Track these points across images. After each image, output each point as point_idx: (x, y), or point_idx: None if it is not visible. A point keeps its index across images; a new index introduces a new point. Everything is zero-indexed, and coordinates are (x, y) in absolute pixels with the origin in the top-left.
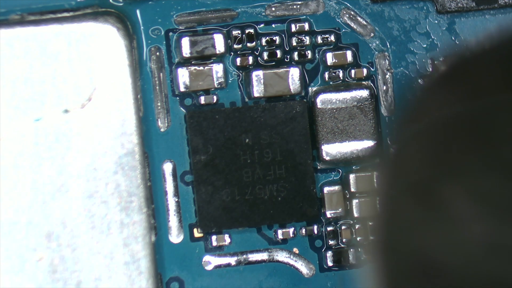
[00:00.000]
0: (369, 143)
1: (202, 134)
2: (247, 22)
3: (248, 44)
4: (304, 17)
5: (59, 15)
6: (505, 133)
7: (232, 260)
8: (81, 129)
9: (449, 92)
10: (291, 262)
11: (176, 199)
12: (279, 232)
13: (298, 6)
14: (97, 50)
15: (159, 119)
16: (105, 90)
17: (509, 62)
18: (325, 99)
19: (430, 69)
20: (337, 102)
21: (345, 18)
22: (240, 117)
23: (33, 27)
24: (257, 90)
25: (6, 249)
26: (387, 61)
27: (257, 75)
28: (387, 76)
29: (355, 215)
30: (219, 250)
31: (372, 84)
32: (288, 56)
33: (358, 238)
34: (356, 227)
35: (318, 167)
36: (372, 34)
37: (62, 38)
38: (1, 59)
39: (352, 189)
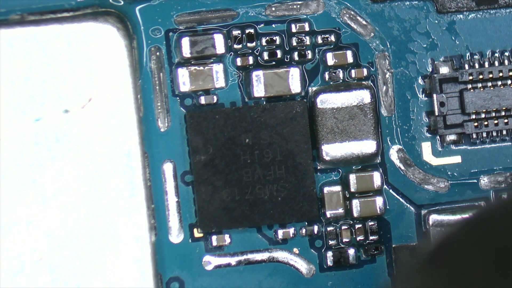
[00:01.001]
0: (369, 143)
1: (202, 134)
2: (247, 22)
3: (248, 44)
4: (304, 17)
5: (59, 15)
6: None
7: (232, 260)
8: (81, 129)
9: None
10: (291, 262)
11: (176, 199)
12: (279, 232)
13: (298, 6)
14: (97, 50)
15: (159, 119)
16: (105, 90)
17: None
18: (325, 99)
19: (430, 69)
20: (337, 102)
21: (345, 18)
22: (240, 117)
23: (33, 27)
24: (257, 90)
25: (6, 249)
26: (387, 61)
27: (257, 75)
28: (387, 76)
29: (355, 215)
30: (219, 250)
31: (372, 84)
32: (288, 56)
33: (358, 238)
34: (356, 227)
35: (318, 167)
36: (372, 34)
37: (62, 38)
38: (1, 59)
39: (352, 189)
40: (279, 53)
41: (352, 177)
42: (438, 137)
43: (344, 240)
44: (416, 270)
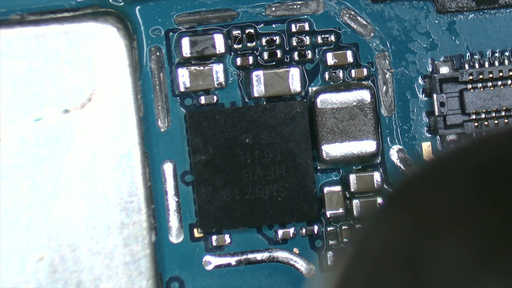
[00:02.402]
0: (369, 143)
1: (202, 134)
2: (247, 22)
3: (248, 44)
4: (304, 17)
5: (59, 15)
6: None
7: (232, 260)
8: (81, 129)
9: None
10: (291, 262)
11: (176, 199)
12: (279, 232)
13: (298, 6)
14: (97, 50)
15: (159, 119)
16: (105, 90)
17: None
18: (325, 99)
19: (430, 69)
20: (337, 102)
21: (345, 18)
22: (240, 117)
23: (33, 27)
24: (257, 90)
25: (6, 249)
26: (387, 61)
27: (257, 75)
28: (387, 76)
29: (355, 215)
30: (219, 250)
31: (372, 84)
32: (288, 56)
33: (353, 235)
34: (356, 227)
35: (318, 167)
36: (372, 34)
37: (62, 38)
38: (1, 59)
39: (352, 189)
40: (279, 53)
41: (352, 177)
42: (438, 137)
43: (345, 240)
44: (378, 213)
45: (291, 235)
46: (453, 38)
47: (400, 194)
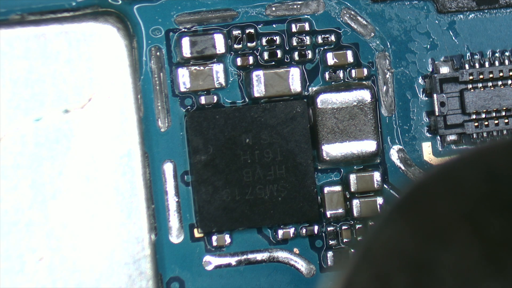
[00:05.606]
0: (369, 143)
1: (202, 134)
2: (247, 22)
3: (249, 44)
4: (305, 17)
5: (59, 15)
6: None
7: (233, 260)
8: (81, 129)
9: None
10: (291, 262)
11: (176, 199)
12: (279, 232)
13: (299, 6)
14: (97, 50)
15: (159, 119)
16: (105, 90)
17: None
18: (325, 99)
19: (431, 69)
20: (337, 102)
21: (346, 18)
22: (240, 117)
23: (33, 27)
24: (257, 90)
25: (6, 249)
26: (387, 61)
27: (257, 75)
28: (387, 76)
29: (355, 215)
30: (219, 250)
31: (372, 84)
32: (289, 56)
33: (358, 238)
34: (357, 227)
35: (318, 167)
36: (372, 34)
37: (62, 38)
38: (1, 59)
39: (352, 189)
40: (279, 53)
41: (352, 177)
42: (438, 137)
43: (345, 240)
44: (384, 218)
45: (291, 235)
46: (453, 38)
47: (406, 200)
